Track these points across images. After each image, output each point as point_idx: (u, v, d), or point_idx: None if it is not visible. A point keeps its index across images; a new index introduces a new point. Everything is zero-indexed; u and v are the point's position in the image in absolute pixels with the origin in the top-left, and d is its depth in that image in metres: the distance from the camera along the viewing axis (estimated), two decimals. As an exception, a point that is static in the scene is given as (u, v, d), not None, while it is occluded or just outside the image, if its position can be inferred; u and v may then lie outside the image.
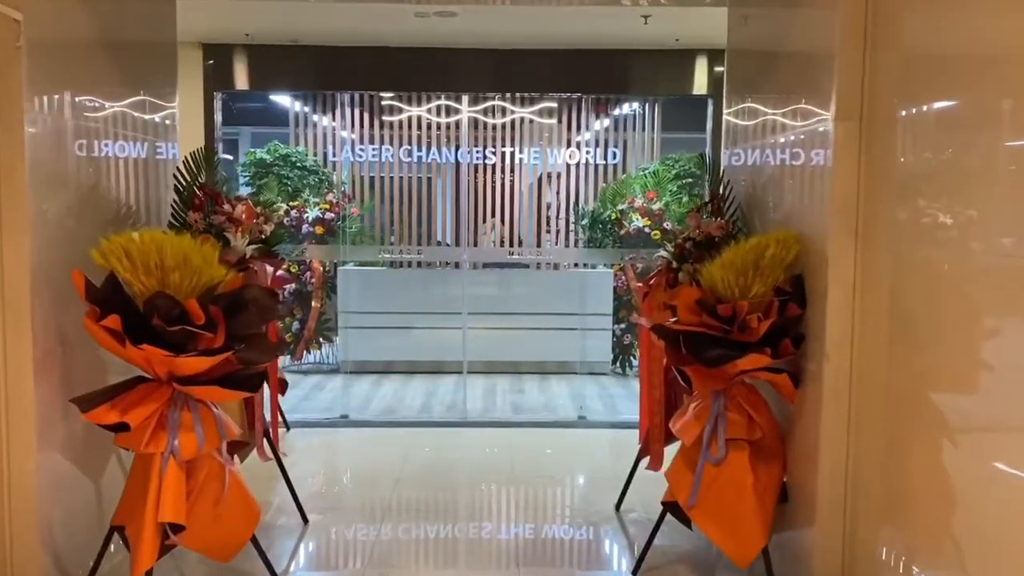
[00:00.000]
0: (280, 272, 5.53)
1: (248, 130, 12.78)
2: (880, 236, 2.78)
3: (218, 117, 5.80)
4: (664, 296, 3.56)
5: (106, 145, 3.39)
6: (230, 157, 10.97)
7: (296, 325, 7.58)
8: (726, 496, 3.09)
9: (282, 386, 5.55)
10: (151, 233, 2.90)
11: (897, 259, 2.67)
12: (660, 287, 3.86)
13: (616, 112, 8.94)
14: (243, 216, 5.19)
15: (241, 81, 5.76)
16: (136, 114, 3.66)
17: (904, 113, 2.65)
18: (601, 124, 8.95)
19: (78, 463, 3.16)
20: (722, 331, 3.06)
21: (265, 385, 4.10)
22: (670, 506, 3.33)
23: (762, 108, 3.71)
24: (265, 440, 4.06)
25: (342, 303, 7.53)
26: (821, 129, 2.97)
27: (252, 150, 8.40)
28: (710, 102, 5.76)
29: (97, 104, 3.32)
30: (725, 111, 4.18)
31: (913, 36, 2.65)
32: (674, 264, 3.82)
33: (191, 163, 3.72)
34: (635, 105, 8.95)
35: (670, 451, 3.60)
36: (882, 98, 2.77)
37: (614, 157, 8.93)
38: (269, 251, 5.37)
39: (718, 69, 5.76)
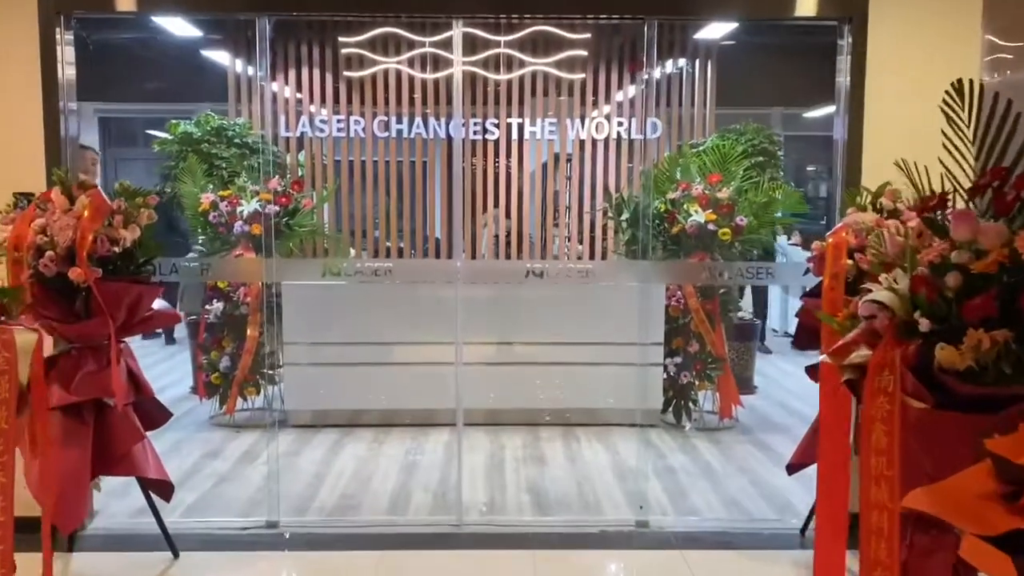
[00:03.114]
0: (160, 304, 3.45)
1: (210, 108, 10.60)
2: None
3: (66, 72, 3.64)
4: (953, 423, 1.47)
5: None
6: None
7: (225, 362, 5.47)
8: None
9: (166, 490, 3.47)
10: None
11: None
12: (884, 371, 1.77)
13: (656, 72, 6.83)
14: (84, 213, 3.14)
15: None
16: None
17: None
18: (637, 87, 6.84)
19: None
20: None
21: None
22: None
23: None
24: None
25: (289, 331, 5.43)
26: None
27: (176, 121, 6.30)
28: (847, 30, 3.64)
29: None
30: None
31: None
32: (921, 323, 1.74)
33: None
34: (682, 62, 6.86)
35: None
36: None
37: (654, 130, 6.83)
38: (137, 271, 3.30)
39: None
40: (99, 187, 3.20)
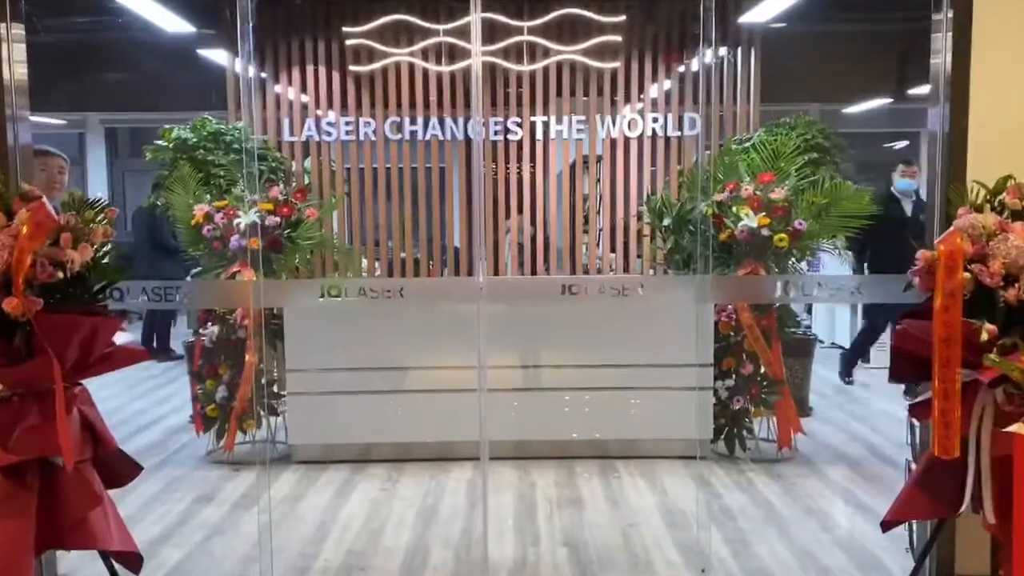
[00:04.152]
0: (125, 340, 2.89)
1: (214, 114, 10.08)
2: None
3: (15, 71, 3.09)
4: None
5: None
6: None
7: (222, 392, 4.91)
8: None
9: (133, 562, 2.90)
10: None
11: None
12: None
13: (696, 60, 6.21)
14: (23, 231, 2.61)
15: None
16: None
17: None
18: (674, 79, 6.24)
19: None
20: None
21: None
22: None
23: None
24: None
25: (293, 356, 4.87)
26: None
27: (169, 127, 5.77)
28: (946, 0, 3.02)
29: None
30: None
31: None
32: None
33: None
34: (722, 51, 6.25)
35: None
36: None
37: (692, 127, 6.23)
38: (92, 300, 2.74)
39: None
40: (68, 197, 2.66)
